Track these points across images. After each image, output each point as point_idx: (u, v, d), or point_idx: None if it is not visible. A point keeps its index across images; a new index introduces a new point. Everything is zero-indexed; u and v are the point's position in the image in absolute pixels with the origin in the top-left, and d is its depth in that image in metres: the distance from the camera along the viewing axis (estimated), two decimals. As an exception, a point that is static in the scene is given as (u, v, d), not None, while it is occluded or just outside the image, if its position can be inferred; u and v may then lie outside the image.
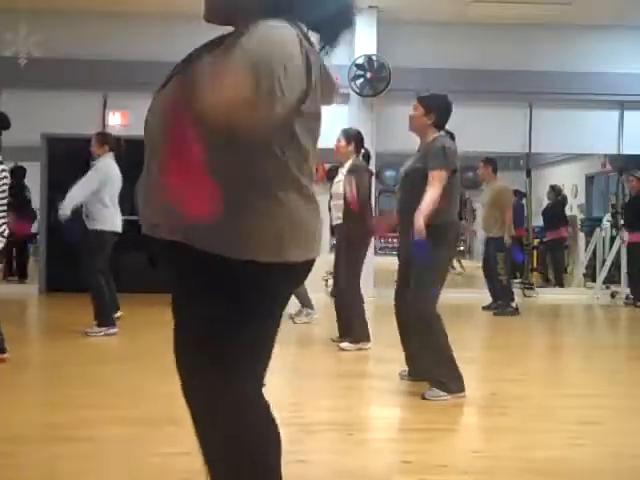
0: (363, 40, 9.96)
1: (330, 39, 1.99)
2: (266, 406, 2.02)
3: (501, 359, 6.01)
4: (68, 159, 10.51)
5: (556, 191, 11.87)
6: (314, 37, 2.01)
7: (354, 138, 6.08)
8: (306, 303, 7.35)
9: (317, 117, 1.96)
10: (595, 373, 4.31)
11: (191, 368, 2.09)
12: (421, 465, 3.17)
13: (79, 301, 9.43)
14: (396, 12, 9.69)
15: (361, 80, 9.84)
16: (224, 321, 1.95)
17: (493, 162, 9.01)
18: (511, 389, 4.73)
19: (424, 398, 4.30)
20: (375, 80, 9.82)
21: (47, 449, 3.28)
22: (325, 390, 4.48)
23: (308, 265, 2.00)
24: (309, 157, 1.95)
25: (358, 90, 9.86)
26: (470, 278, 13.88)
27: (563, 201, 12.15)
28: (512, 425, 4.02)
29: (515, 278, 10.19)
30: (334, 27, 2.00)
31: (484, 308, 9.01)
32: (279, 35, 1.81)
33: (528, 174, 11.03)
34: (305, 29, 1.95)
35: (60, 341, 6.21)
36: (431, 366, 4.40)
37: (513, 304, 8.58)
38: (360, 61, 9.82)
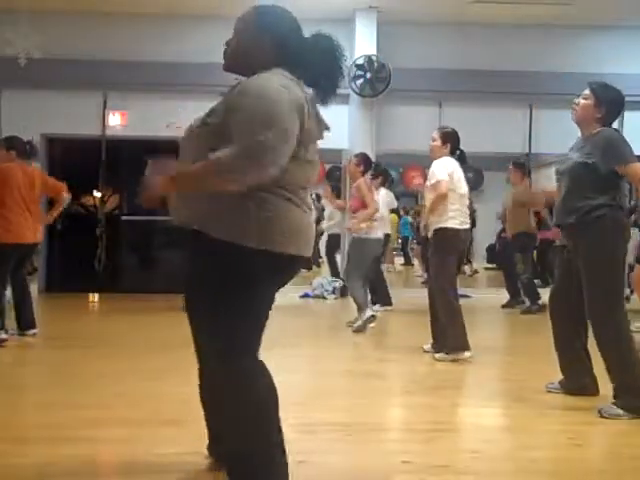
0: (363, 40, 9.96)
1: (327, 92, 2.53)
2: (265, 367, 2.48)
3: (502, 360, 6.01)
4: (68, 159, 10.53)
5: None
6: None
7: (450, 138, 5.72)
8: (362, 306, 6.98)
9: (313, 151, 2.51)
10: (597, 373, 4.30)
11: (206, 335, 2.49)
12: (421, 465, 3.17)
13: (79, 301, 9.46)
14: (396, 12, 9.68)
15: (361, 80, 9.83)
16: (236, 297, 2.40)
17: (523, 166, 9.15)
18: (511, 389, 4.73)
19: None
20: (375, 80, 9.82)
21: (47, 449, 3.27)
22: (325, 390, 4.48)
23: (301, 260, 2.50)
24: (309, 173, 2.51)
25: (358, 90, 9.85)
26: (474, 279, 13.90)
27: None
28: (512, 425, 4.02)
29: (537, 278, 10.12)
30: (330, 81, 2.53)
31: (503, 306, 9.15)
32: (271, 102, 2.33)
33: (528, 174, 11.01)
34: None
35: (60, 341, 6.21)
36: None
37: (539, 302, 8.59)
38: (360, 61, 9.82)
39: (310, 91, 2.56)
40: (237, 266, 2.40)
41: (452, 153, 5.71)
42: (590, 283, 4.08)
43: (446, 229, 5.54)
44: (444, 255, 5.61)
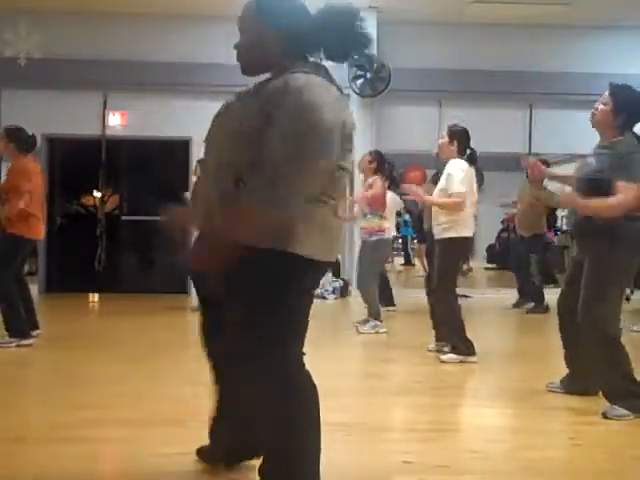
0: (363, 40, 9.95)
1: (342, 59, 2.46)
2: (307, 370, 2.52)
3: (503, 360, 6.01)
4: (68, 159, 10.53)
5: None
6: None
7: (458, 136, 5.58)
8: (375, 314, 7.00)
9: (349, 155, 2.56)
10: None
11: (250, 341, 2.41)
12: (421, 465, 3.17)
13: (79, 301, 9.46)
14: (396, 12, 9.68)
15: (361, 80, 9.83)
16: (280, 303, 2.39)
17: (545, 165, 9.12)
18: (512, 389, 4.73)
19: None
20: (375, 80, 9.82)
21: (47, 449, 3.27)
22: (325, 390, 4.48)
23: (331, 264, 2.52)
24: (339, 180, 2.47)
25: (358, 90, 9.85)
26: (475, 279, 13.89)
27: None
28: (512, 425, 4.02)
29: (550, 282, 10.11)
30: (348, 52, 2.46)
31: (514, 306, 9.20)
32: (319, 116, 2.27)
33: (528, 175, 11.00)
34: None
35: (60, 342, 6.21)
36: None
37: (544, 303, 8.68)
38: (360, 61, 9.81)
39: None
40: (288, 274, 2.37)
41: (461, 152, 5.55)
42: (591, 288, 4.04)
43: (459, 238, 5.47)
44: (455, 261, 5.62)
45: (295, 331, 2.47)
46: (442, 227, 5.49)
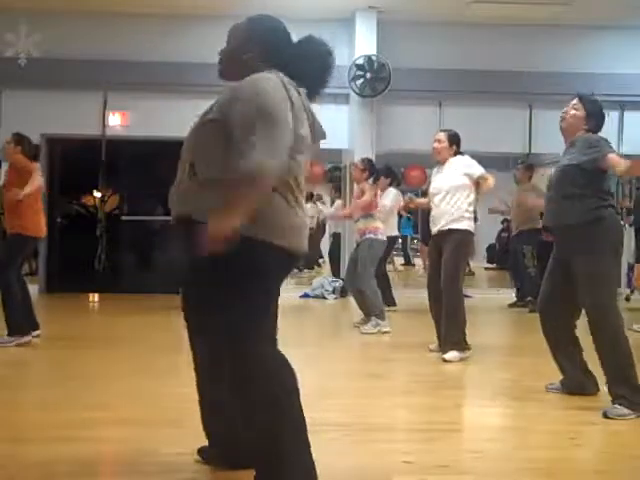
0: (363, 40, 9.96)
1: (313, 91, 2.68)
2: (280, 355, 2.59)
3: (503, 359, 6.01)
4: (68, 159, 10.54)
5: None
6: None
7: (456, 140, 5.79)
8: (378, 313, 6.94)
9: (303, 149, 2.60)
10: (598, 373, 4.31)
11: (221, 329, 2.52)
12: (421, 465, 3.17)
13: (79, 301, 9.46)
14: (396, 12, 9.68)
15: (361, 80, 9.83)
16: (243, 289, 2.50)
17: (532, 168, 9.18)
18: (512, 389, 4.73)
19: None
20: (375, 80, 9.82)
21: (47, 449, 3.27)
22: (326, 390, 4.48)
23: (299, 255, 2.62)
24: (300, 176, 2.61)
25: (358, 90, 9.85)
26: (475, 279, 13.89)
27: None
28: (513, 425, 4.02)
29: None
30: (317, 83, 2.69)
31: (510, 305, 9.16)
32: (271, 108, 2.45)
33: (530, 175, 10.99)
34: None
35: (60, 341, 6.21)
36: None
37: None
38: (360, 61, 9.82)
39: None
40: (250, 258, 2.46)
41: (457, 154, 5.76)
42: (589, 285, 4.07)
43: (467, 232, 5.64)
44: (464, 256, 5.81)
45: (257, 320, 2.54)
46: (459, 217, 5.60)
